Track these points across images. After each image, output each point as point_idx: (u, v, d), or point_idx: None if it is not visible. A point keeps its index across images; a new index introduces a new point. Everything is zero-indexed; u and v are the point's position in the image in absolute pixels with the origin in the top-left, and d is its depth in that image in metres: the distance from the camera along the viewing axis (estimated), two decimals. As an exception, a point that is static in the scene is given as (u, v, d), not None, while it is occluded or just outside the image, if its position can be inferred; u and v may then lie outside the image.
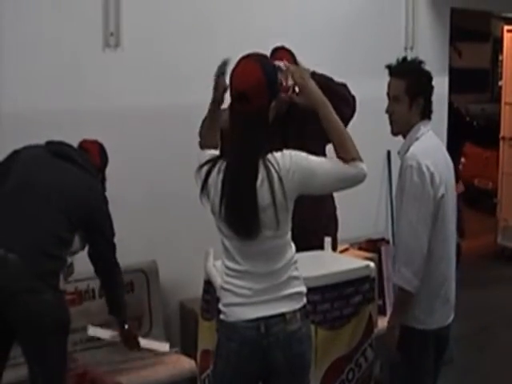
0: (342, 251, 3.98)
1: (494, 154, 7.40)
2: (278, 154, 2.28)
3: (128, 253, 3.60)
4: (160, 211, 3.76)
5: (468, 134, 7.29)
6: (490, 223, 7.14)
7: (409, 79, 2.78)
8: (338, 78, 4.66)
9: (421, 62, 2.87)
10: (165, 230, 3.76)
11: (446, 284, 2.83)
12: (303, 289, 2.42)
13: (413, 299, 2.74)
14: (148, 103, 3.72)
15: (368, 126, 4.60)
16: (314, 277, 2.99)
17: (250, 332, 2.31)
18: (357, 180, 2.36)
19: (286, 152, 2.29)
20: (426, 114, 2.84)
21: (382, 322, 3.59)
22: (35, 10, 3.40)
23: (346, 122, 2.69)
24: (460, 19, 5.72)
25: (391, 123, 2.85)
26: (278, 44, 3.43)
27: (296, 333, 2.34)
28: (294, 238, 2.42)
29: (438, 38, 5.33)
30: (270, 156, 2.26)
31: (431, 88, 2.86)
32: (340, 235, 3.83)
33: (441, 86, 5.33)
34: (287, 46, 3.44)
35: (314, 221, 3.35)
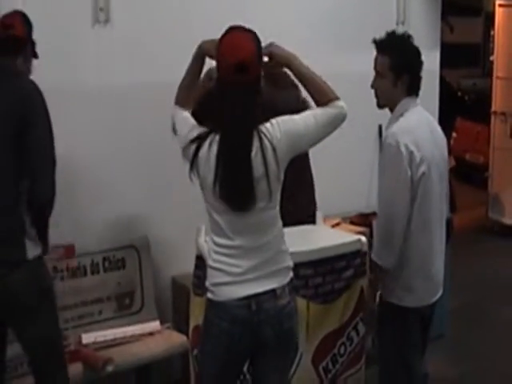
0: (333, 225, 3.98)
1: (486, 129, 7.40)
2: (268, 125, 2.27)
3: (119, 229, 3.61)
4: (151, 187, 3.74)
5: (459, 109, 7.29)
6: (482, 197, 7.17)
7: (394, 55, 2.74)
8: (329, 53, 4.67)
9: (409, 37, 2.81)
10: (156, 206, 3.74)
11: (429, 262, 2.78)
12: (290, 263, 2.42)
13: (390, 275, 2.73)
14: (140, 80, 3.68)
15: (359, 100, 4.55)
16: (306, 251, 3.00)
17: (241, 311, 2.30)
18: (339, 119, 2.35)
19: (274, 121, 2.29)
20: (413, 90, 2.79)
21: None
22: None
23: None
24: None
25: (376, 97, 2.84)
26: (269, 18, 3.39)
27: (285, 307, 2.35)
28: None
29: (430, 13, 5.29)
30: (262, 126, 2.26)
31: (419, 64, 2.80)
32: (331, 209, 3.83)
33: (432, 60, 5.31)
34: (277, 22, 3.41)
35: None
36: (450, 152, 4.45)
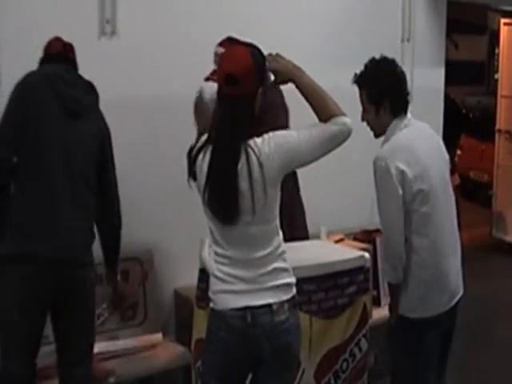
0: (336, 241, 3.99)
1: (490, 147, 7.41)
2: (258, 140, 2.26)
3: (123, 241, 3.61)
4: (155, 200, 3.76)
5: (464, 127, 7.29)
6: (485, 215, 7.16)
7: (367, 87, 2.80)
8: (333, 70, 4.68)
9: (384, 62, 2.85)
10: (160, 219, 3.76)
11: (442, 274, 2.82)
12: (292, 280, 2.40)
13: (400, 289, 2.80)
14: (145, 92, 3.71)
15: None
16: (309, 266, 3.01)
17: (237, 321, 2.31)
18: (341, 136, 2.29)
19: (266, 136, 2.27)
20: (398, 111, 2.81)
21: (377, 313, 3.62)
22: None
23: None
24: (457, 11, 5.71)
25: (370, 129, 2.89)
26: (274, 34, 3.41)
27: (283, 323, 2.33)
28: None
29: (435, 30, 5.32)
30: (251, 141, 2.25)
31: (397, 84, 2.83)
32: (335, 225, 3.84)
33: (437, 78, 5.34)
34: (281, 38, 3.43)
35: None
36: (454, 169, 4.45)
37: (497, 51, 8.20)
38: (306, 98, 2.32)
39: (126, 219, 3.59)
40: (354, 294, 3.14)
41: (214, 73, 2.48)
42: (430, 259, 2.78)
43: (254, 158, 2.23)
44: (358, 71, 2.86)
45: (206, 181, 2.27)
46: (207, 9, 3.96)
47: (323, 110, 2.30)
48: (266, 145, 2.25)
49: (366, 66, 2.85)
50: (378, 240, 4.06)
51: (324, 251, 3.35)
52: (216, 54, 2.71)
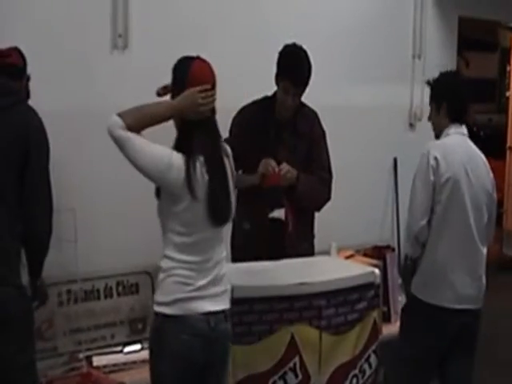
0: (347, 257, 3.98)
1: (501, 165, 7.39)
2: (226, 145, 2.53)
3: (134, 254, 3.63)
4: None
5: (475, 144, 7.26)
6: (496, 233, 7.11)
7: (433, 88, 3.27)
8: (345, 86, 4.70)
9: (453, 73, 3.40)
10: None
11: (446, 269, 3.09)
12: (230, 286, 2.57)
13: (412, 264, 3.17)
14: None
15: (376, 133, 4.62)
16: (320, 282, 3.01)
17: (203, 324, 2.41)
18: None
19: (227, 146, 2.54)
20: (454, 117, 3.20)
21: (387, 329, 3.61)
22: (44, 10, 3.42)
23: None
24: (468, 29, 5.74)
25: (433, 130, 3.31)
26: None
27: (230, 330, 2.52)
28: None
29: (446, 47, 5.34)
30: (224, 147, 2.51)
31: (457, 93, 3.24)
32: (345, 241, 3.83)
33: (448, 95, 5.36)
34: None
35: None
36: None
37: (508, 69, 8.23)
38: None
39: (136, 232, 3.63)
40: (364, 309, 3.13)
41: (165, 88, 2.53)
42: (440, 251, 3.09)
43: (228, 165, 2.50)
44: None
45: (208, 187, 2.38)
46: (220, 24, 4.00)
47: None
48: (229, 152, 2.54)
49: (439, 74, 3.31)
50: (388, 256, 4.05)
51: (334, 267, 3.35)
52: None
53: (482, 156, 3.29)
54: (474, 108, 9.74)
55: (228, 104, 3.47)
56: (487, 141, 8.61)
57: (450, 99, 3.20)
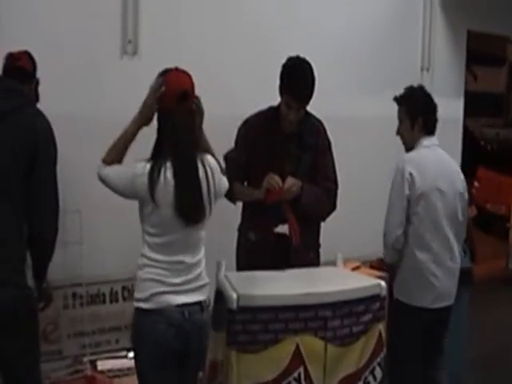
0: (353, 269, 3.98)
1: (508, 179, 7.39)
2: (208, 156, 2.62)
3: (138, 257, 3.63)
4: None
5: (482, 158, 7.28)
6: (502, 248, 7.11)
7: (408, 104, 3.38)
8: (354, 98, 4.71)
9: (421, 88, 3.45)
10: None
11: (428, 273, 3.32)
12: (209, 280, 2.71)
13: (391, 269, 3.45)
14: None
15: (382, 144, 4.61)
16: (325, 292, 3.00)
17: (177, 315, 2.56)
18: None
19: (209, 156, 2.63)
20: (430, 130, 3.38)
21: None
22: (55, 15, 3.45)
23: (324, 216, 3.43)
24: (476, 43, 5.75)
25: (403, 143, 3.45)
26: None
27: (207, 324, 2.68)
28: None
29: (455, 61, 5.35)
30: (204, 155, 2.59)
31: (431, 107, 3.39)
32: (352, 253, 3.83)
33: (456, 108, 5.35)
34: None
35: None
36: (471, 201, 4.58)
37: (516, 83, 8.22)
38: None
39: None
40: (370, 321, 3.11)
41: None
42: (420, 258, 3.31)
43: (208, 169, 2.58)
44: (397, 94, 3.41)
45: (175, 189, 2.50)
46: (229, 31, 4.03)
47: None
48: (212, 161, 2.62)
49: (406, 89, 3.43)
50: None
51: (340, 278, 3.34)
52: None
53: (453, 161, 3.49)
54: (481, 122, 9.84)
55: (237, 111, 3.52)
56: (494, 155, 8.64)
57: (426, 114, 3.37)
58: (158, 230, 2.56)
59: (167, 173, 2.50)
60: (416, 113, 3.35)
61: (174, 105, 2.55)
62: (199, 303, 2.62)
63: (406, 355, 3.41)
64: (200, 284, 2.64)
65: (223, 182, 2.69)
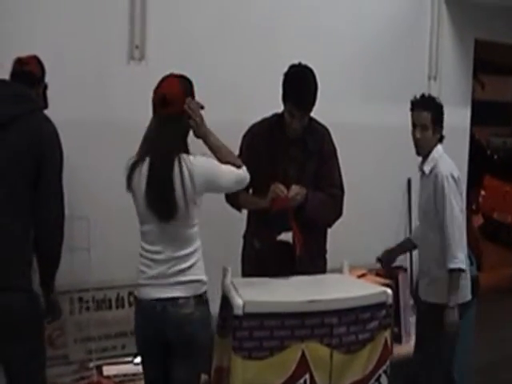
0: (359, 276, 3.98)
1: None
2: (191, 156, 2.70)
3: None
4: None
5: (488, 167, 7.27)
6: (509, 256, 7.09)
7: (434, 111, 3.48)
8: (360, 106, 4.71)
9: (430, 95, 3.60)
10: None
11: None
12: (204, 278, 2.79)
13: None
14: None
15: (390, 154, 4.62)
16: (331, 299, 3.00)
17: (150, 310, 2.71)
18: (242, 183, 2.85)
19: (198, 155, 2.73)
20: (442, 138, 3.55)
21: (397, 350, 3.59)
22: (62, 21, 3.47)
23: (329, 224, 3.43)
24: (484, 51, 5.74)
25: (417, 147, 3.52)
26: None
27: (188, 316, 2.69)
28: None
29: (462, 69, 5.35)
30: (184, 155, 2.68)
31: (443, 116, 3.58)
32: (358, 260, 3.83)
33: (463, 117, 5.35)
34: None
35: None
36: (478, 210, 4.68)
37: (523, 92, 8.21)
38: (214, 152, 2.83)
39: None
40: (376, 329, 3.11)
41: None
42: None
43: (185, 169, 2.64)
44: (417, 96, 3.54)
45: (146, 186, 2.67)
46: (236, 36, 4.04)
47: (227, 162, 2.81)
48: (196, 160, 2.69)
49: (428, 97, 3.56)
50: (400, 277, 4.05)
51: (346, 285, 3.34)
52: None
53: None
54: (488, 131, 9.82)
55: (244, 117, 3.53)
56: (501, 164, 8.62)
57: (443, 123, 3.56)
58: (140, 219, 2.78)
59: (143, 167, 2.69)
60: (441, 121, 3.51)
61: (155, 108, 2.75)
62: (173, 299, 2.69)
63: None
64: (181, 280, 2.71)
65: (219, 180, 2.77)
